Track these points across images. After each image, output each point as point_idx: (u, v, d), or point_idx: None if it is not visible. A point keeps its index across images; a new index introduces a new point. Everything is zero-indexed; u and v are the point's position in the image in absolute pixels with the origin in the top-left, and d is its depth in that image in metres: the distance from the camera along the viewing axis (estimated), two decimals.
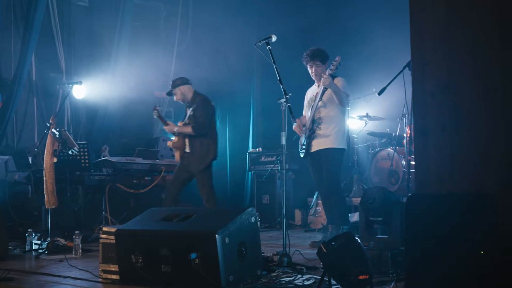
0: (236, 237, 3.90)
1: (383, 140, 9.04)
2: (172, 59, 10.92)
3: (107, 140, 9.75)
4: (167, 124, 7.26)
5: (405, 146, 7.88)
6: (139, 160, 8.60)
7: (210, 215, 4.18)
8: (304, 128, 6.34)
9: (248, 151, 10.24)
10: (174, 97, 7.18)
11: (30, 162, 8.08)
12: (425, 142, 2.99)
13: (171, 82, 7.26)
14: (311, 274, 4.23)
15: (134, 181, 8.46)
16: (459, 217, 2.63)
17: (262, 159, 9.93)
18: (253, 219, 4.07)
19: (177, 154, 7.09)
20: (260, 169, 9.85)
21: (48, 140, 6.22)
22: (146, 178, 8.57)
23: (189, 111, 7.02)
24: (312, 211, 8.78)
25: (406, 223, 2.82)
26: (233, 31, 10.27)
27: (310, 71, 6.19)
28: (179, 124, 7.10)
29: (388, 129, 9.05)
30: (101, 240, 4.44)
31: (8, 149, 9.00)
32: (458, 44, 2.96)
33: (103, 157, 8.67)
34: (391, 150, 8.57)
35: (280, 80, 4.89)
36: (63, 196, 7.77)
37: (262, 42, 4.92)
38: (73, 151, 6.35)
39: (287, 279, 4.09)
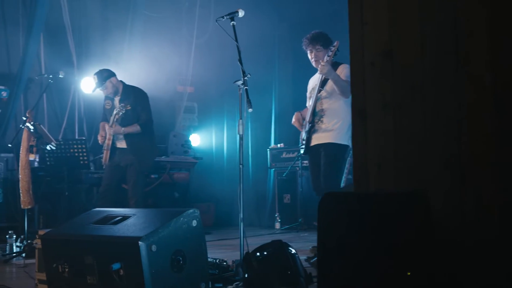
0: (168, 245, 3.27)
1: None
2: (191, 52, 10.36)
3: None
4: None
5: None
6: None
7: (148, 218, 3.56)
8: (304, 122, 5.65)
9: (269, 147, 9.58)
10: (103, 91, 6.50)
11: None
12: (364, 125, 2.28)
13: (95, 76, 6.51)
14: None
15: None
16: (378, 221, 1.94)
17: (283, 155, 9.28)
18: (194, 223, 3.42)
19: (106, 153, 6.46)
20: (281, 166, 9.20)
21: (24, 135, 5.79)
22: (152, 176, 8.05)
23: (123, 106, 6.36)
24: None
25: (318, 229, 2.14)
26: (254, 22, 9.63)
27: (310, 56, 5.47)
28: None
29: None
30: (37, 246, 3.90)
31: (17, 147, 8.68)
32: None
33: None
34: None
35: (240, 60, 4.26)
36: (61, 196, 7.38)
37: (225, 18, 4.26)
38: (51, 146, 5.87)
39: None
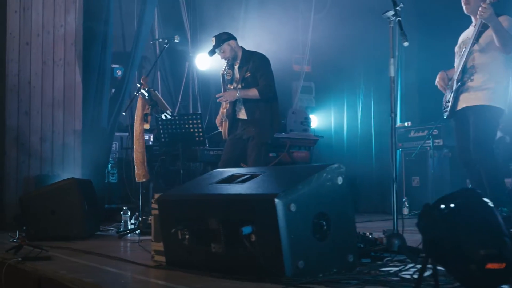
0: (309, 205, 2.64)
1: None
2: (309, 29, 9.71)
3: None
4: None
5: None
6: None
7: (282, 175, 2.95)
8: (450, 82, 4.87)
9: (396, 126, 8.74)
10: (221, 55, 5.87)
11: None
12: None
13: (213, 38, 5.89)
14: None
15: None
16: None
17: (411, 134, 8.45)
18: (340, 180, 2.77)
19: (225, 125, 5.86)
20: (410, 147, 8.38)
21: (138, 103, 5.38)
22: (270, 155, 7.47)
23: (242, 72, 5.79)
24: None
25: None
26: None
27: (462, 1, 4.67)
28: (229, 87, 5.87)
29: None
30: (153, 212, 3.40)
31: (132, 128, 8.44)
32: None
33: None
34: None
35: None
36: (176, 174, 6.99)
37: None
38: (166, 115, 5.43)
39: (394, 269, 2.75)
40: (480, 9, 4.32)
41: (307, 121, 8.26)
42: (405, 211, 8.19)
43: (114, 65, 8.03)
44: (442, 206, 1.88)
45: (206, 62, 8.60)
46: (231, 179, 3.04)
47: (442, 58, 8.20)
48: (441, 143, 8.04)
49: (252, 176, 2.95)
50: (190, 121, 6.91)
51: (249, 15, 9.05)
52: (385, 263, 2.99)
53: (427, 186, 8.13)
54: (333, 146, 9.71)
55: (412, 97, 9.19)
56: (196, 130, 6.94)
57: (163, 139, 6.95)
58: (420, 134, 8.29)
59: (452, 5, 6.11)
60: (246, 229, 2.61)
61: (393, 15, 3.36)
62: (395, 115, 3.63)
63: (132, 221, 5.83)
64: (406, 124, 8.62)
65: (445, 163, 8.11)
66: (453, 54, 5.03)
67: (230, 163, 5.81)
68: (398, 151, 8.73)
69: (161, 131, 6.85)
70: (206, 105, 9.05)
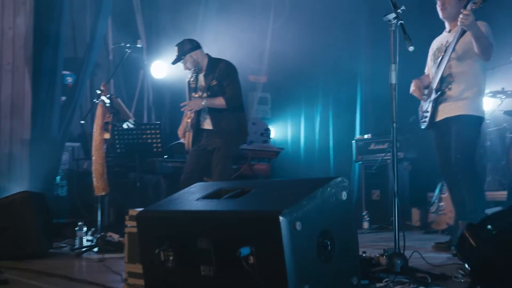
0: (315, 223, 2.39)
1: None
2: (267, 38, 9.50)
3: None
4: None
5: None
6: None
7: (278, 189, 2.69)
8: (426, 91, 4.73)
9: (355, 138, 8.63)
10: (183, 66, 5.65)
11: None
12: None
13: (176, 48, 5.67)
14: (440, 286, 2.64)
15: None
16: None
17: (372, 147, 8.31)
18: (344, 195, 2.54)
19: (189, 136, 5.60)
20: (370, 159, 8.24)
21: (98, 111, 5.02)
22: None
23: (208, 80, 5.56)
24: (433, 208, 7.12)
25: None
26: (336, 3, 8.78)
27: (437, 3, 4.52)
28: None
29: None
30: (127, 230, 3.08)
31: (83, 137, 8.03)
32: None
33: None
34: None
35: None
36: (132, 187, 6.64)
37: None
38: (129, 124, 5.09)
39: None
40: (461, 16, 4.18)
41: (267, 132, 8.04)
42: (365, 225, 8.04)
43: (64, 72, 7.61)
44: (489, 226, 1.66)
45: (163, 70, 8.26)
46: (219, 194, 2.75)
47: (401, 70, 8.23)
48: (402, 156, 7.94)
49: (243, 191, 2.67)
50: (148, 131, 6.62)
51: (206, 24, 8.76)
52: (386, 285, 2.76)
53: (387, 199, 8.00)
54: (290, 159, 9.50)
55: (371, 109, 9.09)
56: (154, 140, 6.63)
57: (118, 150, 6.61)
58: (381, 146, 8.17)
59: (411, 16, 6.04)
60: (245, 250, 2.33)
61: (395, 18, 3.16)
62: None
63: (89, 237, 5.45)
64: (365, 136, 8.50)
65: (405, 176, 8.00)
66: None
67: (194, 175, 5.52)
68: (357, 164, 8.61)
69: (117, 141, 6.51)
70: (159, 117, 8.70)
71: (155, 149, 6.62)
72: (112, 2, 7.68)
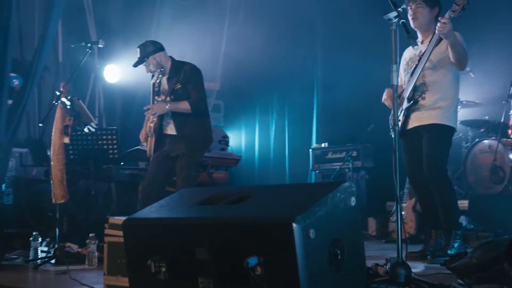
0: (327, 230, 2.23)
1: (481, 130, 7.27)
2: (222, 44, 9.32)
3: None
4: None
5: None
6: None
7: (281, 195, 2.51)
8: (398, 99, 4.65)
9: (312, 147, 8.55)
10: (146, 69, 5.37)
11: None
12: None
13: (138, 49, 5.38)
14: None
15: (174, 178, 6.86)
16: None
17: (329, 156, 8.25)
18: (353, 201, 2.38)
19: (151, 141, 5.37)
20: (327, 168, 8.17)
21: (58, 114, 4.71)
22: None
23: (172, 84, 5.33)
24: (394, 217, 7.06)
25: None
26: (292, 9, 8.71)
27: (409, 12, 4.46)
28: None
29: (487, 117, 7.26)
30: (106, 239, 2.83)
31: (30, 142, 7.63)
32: None
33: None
34: (493, 141, 6.80)
35: None
36: (87, 195, 6.33)
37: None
38: (90, 128, 4.80)
39: None
40: (438, 24, 4.12)
41: (225, 140, 7.85)
42: None
43: (11, 74, 7.21)
44: None
45: (116, 74, 7.97)
46: (214, 200, 2.55)
47: (359, 78, 8.20)
48: (360, 165, 7.90)
49: (243, 196, 2.48)
50: (104, 137, 6.33)
51: (160, 30, 8.51)
52: None
53: None
54: (244, 168, 9.33)
55: (328, 117, 9.03)
56: (110, 146, 6.34)
57: (72, 156, 6.28)
58: (338, 155, 8.12)
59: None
60: (252, 260, 2.14)
61: (396, 17, 3.04)
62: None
63: (44, 248, 5.11)
64: (323, 145, 8.43)
65: (362, 186, 7.96)
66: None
67: (155, 183, 5.26)
68: (314, 173, 8.52)
69: (70, 146, 6.18)
70: (110, 124, 8.36)
71: (111, 156, 6.32)
72: (63, 3, 7.35)
